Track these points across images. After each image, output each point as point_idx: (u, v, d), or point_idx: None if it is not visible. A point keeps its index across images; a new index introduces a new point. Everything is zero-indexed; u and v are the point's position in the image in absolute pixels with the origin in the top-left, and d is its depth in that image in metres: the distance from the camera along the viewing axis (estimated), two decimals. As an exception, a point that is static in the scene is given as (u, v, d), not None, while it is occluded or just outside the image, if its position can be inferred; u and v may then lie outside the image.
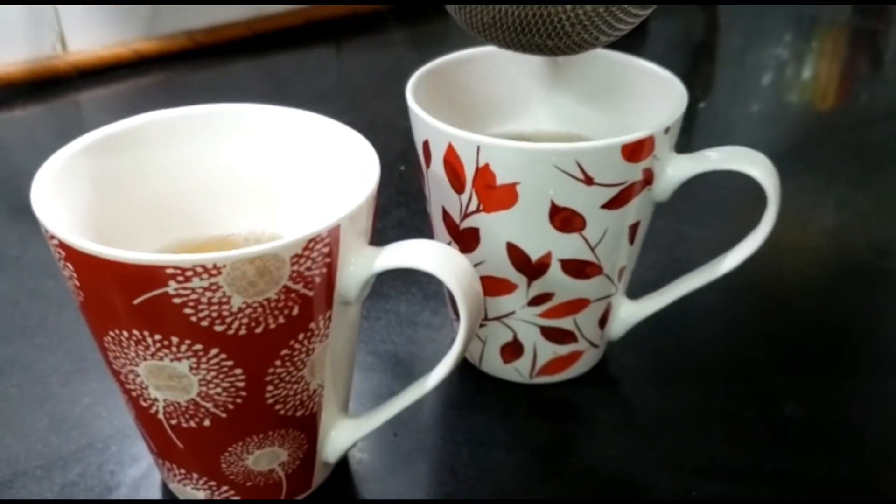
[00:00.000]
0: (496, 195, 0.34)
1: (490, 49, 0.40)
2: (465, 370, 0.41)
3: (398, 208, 0.53)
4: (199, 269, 0.26)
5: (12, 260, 0.49)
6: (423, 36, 0.83)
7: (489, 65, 0.41)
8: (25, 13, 0.67)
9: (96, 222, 0.32)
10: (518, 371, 0.39)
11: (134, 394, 0.30)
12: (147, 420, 0.31)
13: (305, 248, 0.27)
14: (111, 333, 0.28)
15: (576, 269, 0.35)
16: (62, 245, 0.27)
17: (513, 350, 0.39)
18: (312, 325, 0.29)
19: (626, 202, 0.34)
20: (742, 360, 0.42)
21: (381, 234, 0.50)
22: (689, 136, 0.65)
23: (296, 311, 0.28)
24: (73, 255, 0.26)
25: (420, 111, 0.35)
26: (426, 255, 0.29)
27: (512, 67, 0.41)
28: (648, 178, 0.34)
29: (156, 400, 0.30)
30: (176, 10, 0.73)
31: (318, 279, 0.28)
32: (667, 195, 0.36)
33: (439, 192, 0.36)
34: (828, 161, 0.61)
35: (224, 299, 0.26)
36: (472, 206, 0.35)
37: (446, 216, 0.36)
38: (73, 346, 0.42)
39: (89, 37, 0.71)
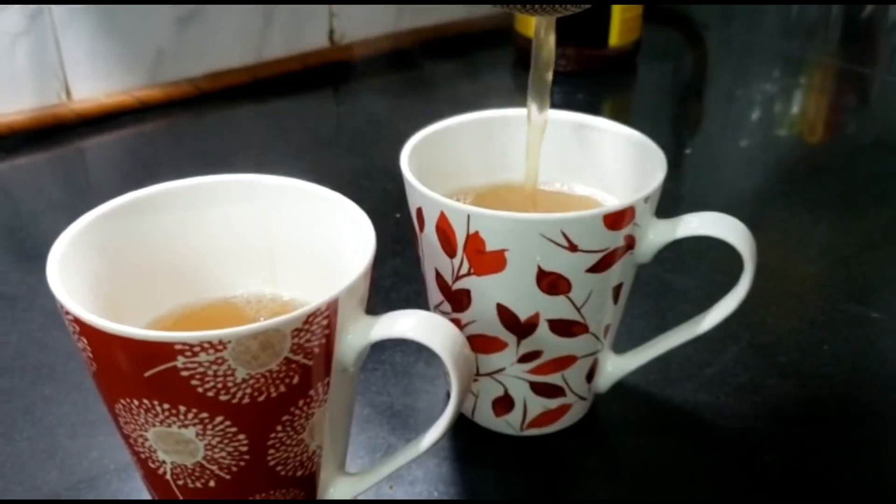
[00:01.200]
0: (486, 260, 0.35)
1: (479, 115, 0.42)
2: (458, 422, 0.42)
3: (394, 257, 0.55)
4: (206, 345, 0.27)
5: (21, 311, 0.50)
6: (418, 81, 0.85)
7: (480, 129, 0.43)
8: (32, 62, 0.69)
9: (105, 289, 0.34)
10: (509, 424, 0.41)
11: (143, 456, 0.32)
12: (155, 480, 0.32)
13: (305, 322, 0.29)
14: (122, 401, 0.30)
15: (563, 328, 0.37)
16: (77, 321, 0.28)
17: (504, 404, 0.40)
18: (312, 392, 0.31)
19: (610, 266, 0.36)
20: (724, 409, 0.43)
21: (378, 284, 0.52)
22: (679, 176, 0.67)
23: (296, 379, 0.30)
24: (88, 331, 0.28)
25: (413, 180, 0.37)
26: (419, 326, 0.31)
27: (502, 130, 0.43)
28: (630, 244, 0.36)
29: (164, 462, 0.31)
30: (178, 57, 0.76)
31: (317, 350, 0.30)
32: (648, 258, 0.38)
33: (432, 255, 0.38)
34: (811, 201, 0.63)
35: (229, 371, 0.28)
36: (464, 270, 0.36)
37: (439, 277, 0.38)
38: (80, 398, 0.44)
39: (93, 85, 0.73)
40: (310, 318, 0.29)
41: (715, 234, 0.36)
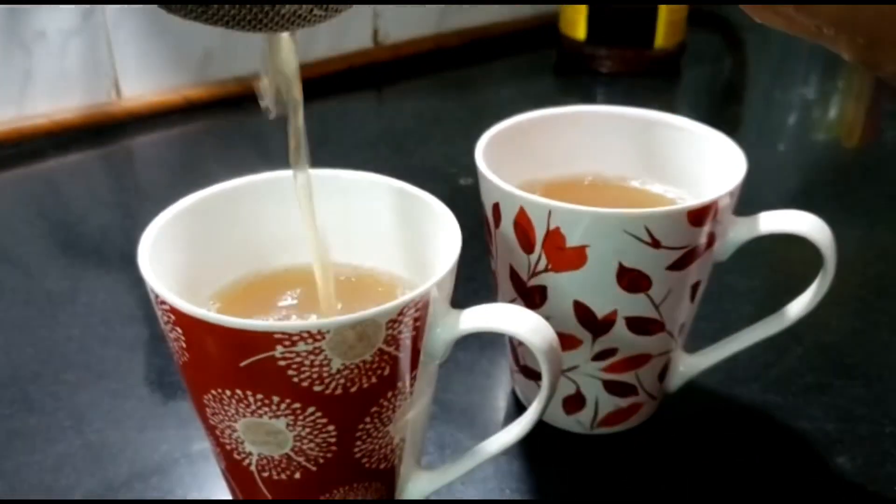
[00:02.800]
0: (565, 256, 0.35)
1: (556, 111, 0.42)
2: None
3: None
4: (305, 335, 0.27)
5: (83, 306, 0.51)
6: (462, 82, 0.85)
7: (555, 124, 0.42)
8: (83, 61, 0.70)
9: (187, 276, 0.34)
10: (579, 422, 0.41)
11: (228, 447, 0.32)
12: (238, 472, 0.32)
13: (400, 314, 0.29)
14: (213, 392, 0.30)
15: (640, 326, 0.37)
16: (173, 310, 0.28)
17: (575, 402, 0.40)
18: (400, 384, 0.31)
19: (690, 264, 0.36)
20: (793, 409, 0.43)
21: None
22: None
23: (387, 371, 0.30)
24: (184, 320, 0.28)
25: (491, 175, 0.36)
26: (509, 318, 0.31)
27: (572, 125, 0.43)
28: (711, 241, 0.36)
29: (250, 454, 0.31)
30: (226, 57, 0.76)
31: (408, 341, 0.30)
32: (726, 256, 0.38)
33: (507, 251, 0.38)
34: (865, 203, 0.63)
35: (325, 362, 0.28)
36: (541, 266, 0.36)
37: (513, 274, 0.38)
38: (146, 392, 0.44)
39: (142, 84, 0.73)
40: (404, 309, 0.29)
41: (796, 231, 0.36)
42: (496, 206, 0.37)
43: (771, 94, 0.85)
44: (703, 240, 0.36)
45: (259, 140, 0.72)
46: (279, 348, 0.28)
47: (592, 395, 0.40)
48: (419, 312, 0.29)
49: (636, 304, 0.36)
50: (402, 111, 0.80)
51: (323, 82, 0.81)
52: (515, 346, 0.41)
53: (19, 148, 0.69)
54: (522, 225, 0.36)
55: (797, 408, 0.43)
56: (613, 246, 0.35)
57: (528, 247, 0.36)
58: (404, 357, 0.30)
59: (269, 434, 0.30)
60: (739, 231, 0.37)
